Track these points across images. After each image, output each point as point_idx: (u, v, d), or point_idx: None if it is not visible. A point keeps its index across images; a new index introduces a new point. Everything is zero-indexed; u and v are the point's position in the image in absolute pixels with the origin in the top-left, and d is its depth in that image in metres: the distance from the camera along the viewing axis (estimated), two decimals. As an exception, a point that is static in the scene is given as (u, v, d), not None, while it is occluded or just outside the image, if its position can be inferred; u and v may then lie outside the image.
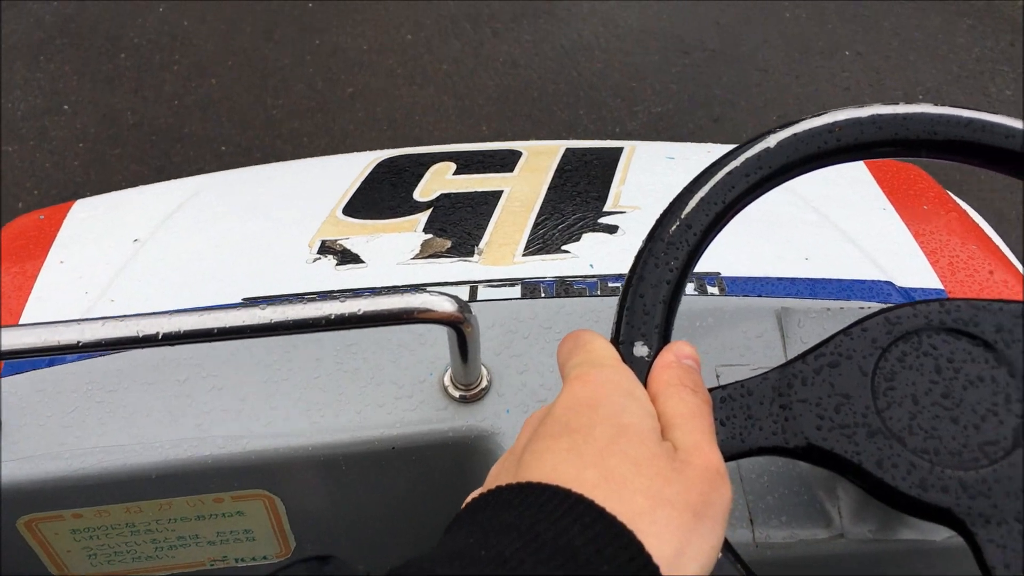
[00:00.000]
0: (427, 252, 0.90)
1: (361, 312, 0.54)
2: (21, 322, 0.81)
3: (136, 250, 0.92)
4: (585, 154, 1.08)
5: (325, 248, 0.91)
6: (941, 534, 0.63)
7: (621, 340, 0.51)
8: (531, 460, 0.41)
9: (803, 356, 0.52)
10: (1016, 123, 0.56)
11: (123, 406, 0.66)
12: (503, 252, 0.90)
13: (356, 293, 0.54)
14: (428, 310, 0.55)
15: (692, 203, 0.54)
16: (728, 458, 0.49)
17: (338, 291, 0.84)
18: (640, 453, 0.40)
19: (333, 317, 0.54)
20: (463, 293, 0.84)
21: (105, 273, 0.88)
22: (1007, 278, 0.91)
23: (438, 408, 0.65)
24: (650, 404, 0.45)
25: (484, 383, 0.67)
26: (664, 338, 0.52)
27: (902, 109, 0.56)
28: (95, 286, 0.86)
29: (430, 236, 0.92)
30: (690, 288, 0.82)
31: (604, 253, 0.90)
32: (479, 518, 0.38)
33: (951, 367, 0.51)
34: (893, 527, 0.63)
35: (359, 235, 0.93)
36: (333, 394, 0.66)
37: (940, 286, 0.89)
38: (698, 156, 1.08)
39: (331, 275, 0.87)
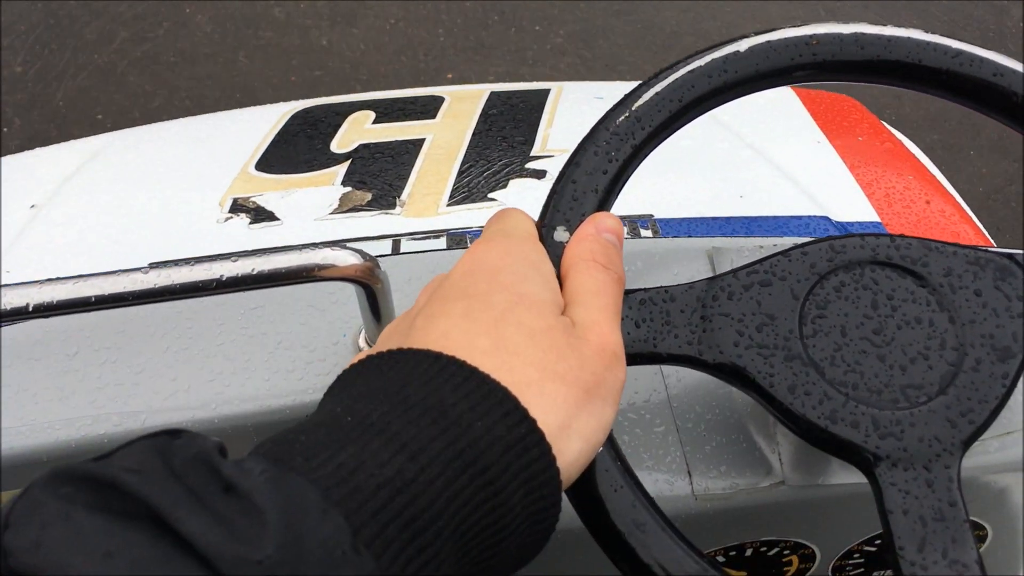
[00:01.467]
0: (346, 206, 0.86)
1: (256, 272, 0.49)
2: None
3: (33, 216, 0.86)
4: (511, 97, 1.03)
5: (237, 206, 0.85)
6: None
7: (544, 224, 0.48)
8: (423, 324, 0.39)
9: (735, 271, 0.50)
10: (1010, 63, 0.53)
11: (6, 386, 0.61)
12: (427, 203, 0.86)
13: (252, 252, 0.49)
14: (330, 266, 0.50)
15: (646, 96, 0.51)
16: (636, 360, 0.47)
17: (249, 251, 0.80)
18: (536, 324, 0.39)
19: (224, 279, 0.49)
20: (385, 247, 0.80)
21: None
22: (944, 207, 0.89)
23: None
24: (554, 279, 0.43)
25: None
26: None
27: (889, 31, 0.53)
28: (-13, 257, 0.80)
29: (349, 189, 0.87)
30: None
31: (532, 199, 0.86)
32: (349, 388, 0.37)
33: (889, 304, 0.49)
34: (832, 472, 0.61)
35: (273, 191, 0.88)
36: (239, 361, 0.61)
37: (877, 219, 0.87)
38: (628, 95, 1.05)
39: (245, 235, 0.82)
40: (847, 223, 0.85)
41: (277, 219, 0.84)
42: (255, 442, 0.61)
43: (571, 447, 0.37)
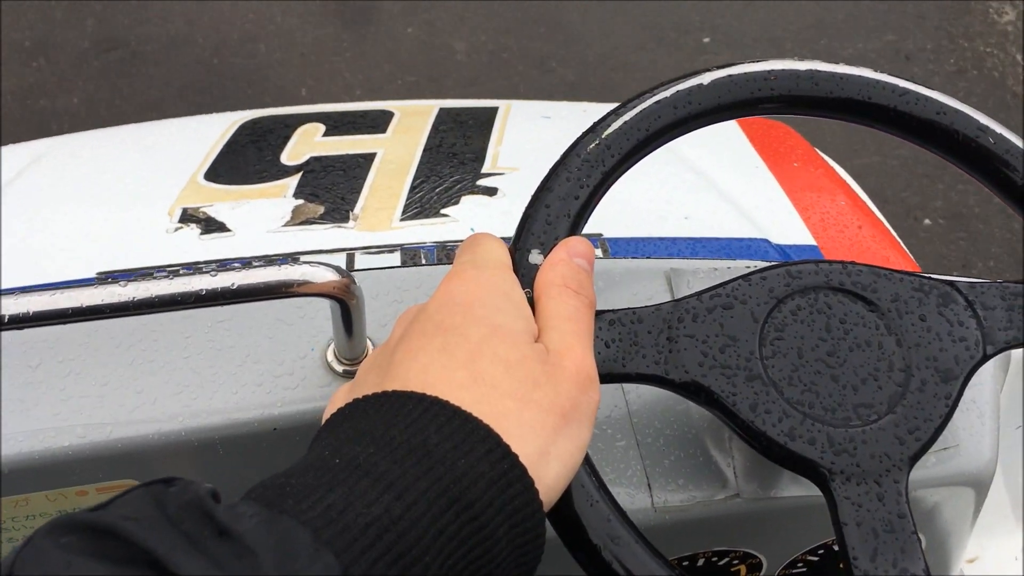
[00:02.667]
0: (299, 219, 0.86)
1: (236, 287, 0.49)
2: None
3: (-29, 222, 0.83)
4: (460, 114, 1.04)
5: (187, 216, 0.84)
6: None
7: (518, 247, 0.50)
8: (403, 359, 0.41)
9: (699, 294, 0.52)
10: (951, 101, 0.57)
11: None
12: (380, 217, 0.86)
13: (225, 265, 0.49)
14: (308, 282, 0.51)
15: (615, 125, 0.54)
16: (606, 380, 0.49)
17: (204, 262, 0.79)
18: (511, 355, 0.40)
19: (204, 293, 0.49)
20: (339, 261, 0.80)
21: (-65, 248, 0.79)
22: (874, 233, 0.94)
23: (322, 385, 0.61)
24: (526, 307, 0.45)
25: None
26: None
27: (841, 69, 0.56)
28: (-77, 264, 0.78)
29: (301, 201, 0.87)
30: None
31: (485, 216, 0.87)
32: (337, 431, 0.38)
33: (842, 328, 0.52)
34: (783, 485, 0.63)
35: (224, 201, 0.87)
36: (206, 375, 0.61)
37: (813, 242, 0.91)
38: (574, 115, 1.07)
39: (196, 245, 0.81)
40: (786, 246, 0.89)
41: (228, 230, 0.83)
42: (221, 454, 0.61)
43: (550, 472, 0.39)
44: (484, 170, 0.94)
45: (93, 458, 0.58)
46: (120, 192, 0.89)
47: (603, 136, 0.54)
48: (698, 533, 0.65)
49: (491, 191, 0.91)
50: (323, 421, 0.41)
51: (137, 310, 0.48)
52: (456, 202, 0.89)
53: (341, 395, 0.44)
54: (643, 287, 0.69)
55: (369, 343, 0.62)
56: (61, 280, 0.76)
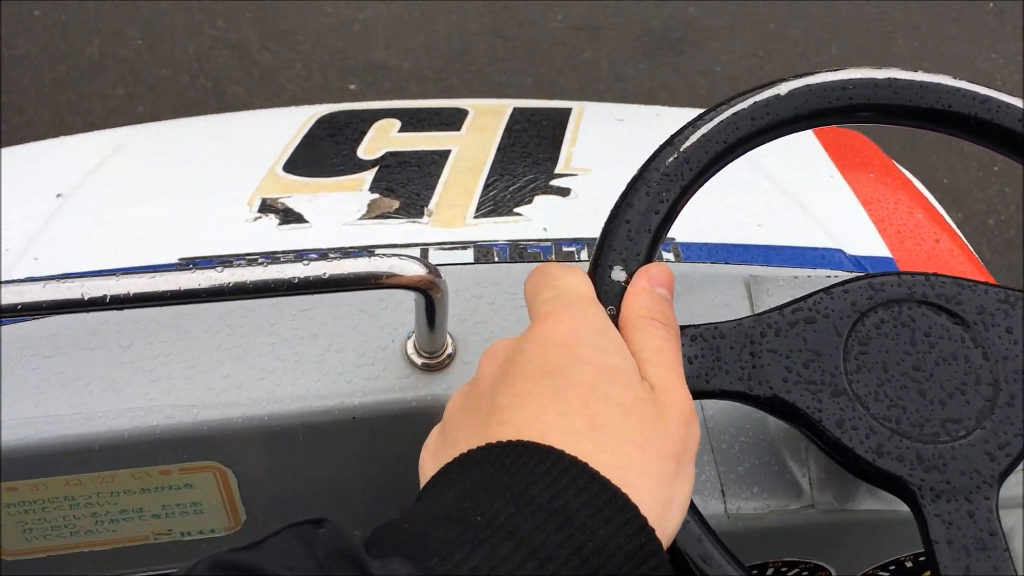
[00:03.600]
0: (374, 212, 0.87)
1: (327, 276, 0.50)
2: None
3: (59, 205, 0.85)
4: (533, 114, 1.05)
5: (266, 206, 0.86)
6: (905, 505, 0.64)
7: (599, 263, 0.50)
8: (510, 404, 0.40)
9: (780, 308, 0.52)
10: None
11: (61, 373, 0.61)
12: (454, 214, 0.87)
13: (315, 255, 0.50)
14: (396, 275, 0.52)
15: (694, 138, 0.53)
16: (692, 396, 0.49)
17: (282, 252, 0.80)
18: (625, 397, 0.40)
19: (296, 281, 0.50)
20: (413, 256, 0.81)
21: (26, 229, 0.82)
22: (952, 247, 0.92)
23: (401, 376, 0.62)
24: (623, 343, 0.44)
25: (449, 350, 0.64)
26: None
27: (920, 77, 0.55)
28: (15, 243, 0.80)
29: (377, 196, 0.88)
30: None
31: (557, 216, 0.87)
32: (469, 476, 0.37)
33: (927, 341, 0.51)
34: (859, 497, 0.63)
35: (301, 193, 0.88)
36: (290, 362, 0.62)
37: (889, 254, 0.89)
38: (647, 119, 1.07)
39: (274, 235, 0.82)
40: (861, 257, 0.88)
41: (306, 221, 0.84)
42: (300, 440, 0.62)
43: (671, 523, 0.39)
44: (557, 170, 0.94)
45: (179, 439, 0.59)
46: (201, 181, 0.91)
47: (681, 149, 0.53)
48: (770, 542, 0.64)
49: (564, 191, 0.91)
50: (421, 468, 0.41)
51: (232, 295, 0.49)
52: (529, 201, 0.89)
53: (435, 437, 0.44)
54: (720, 294, 0.69)
55: (449, 337, 0.63)
56: (144, 265, 0.78)
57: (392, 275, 0.52)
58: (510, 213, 0.88)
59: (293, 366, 0.61)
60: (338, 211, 0.86)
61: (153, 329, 0.62)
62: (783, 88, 0.55)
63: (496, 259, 0.80)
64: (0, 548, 0.65)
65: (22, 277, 0.55)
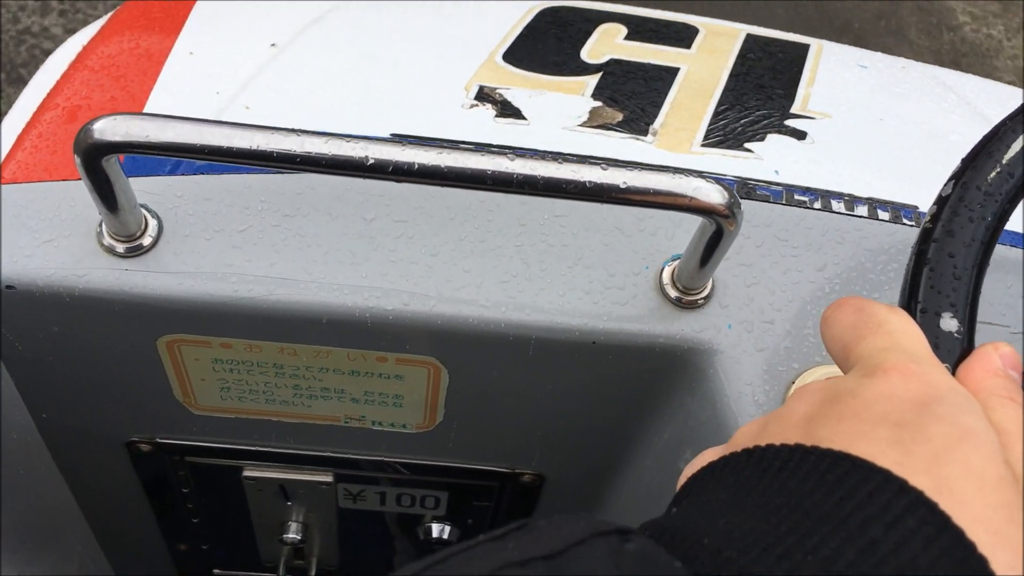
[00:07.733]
0: (596, 121, 0.80)
1: (625, 186, 0.44)
2: (146, 110, 0.72)
3: (273, 56, 0.81)
4: (769, 44, 0.96)
5: (483, 95, 0.80)
6: None
7: (923, 308, 0.41)
8: (832, 437, 0.33)
9: None
10: None
11: (301, 236, 0.57)
12: (679, 138, 0.80)
13: (622, 164, 0.44)
14: (697, 199, 0.45)
15: (1017, 146, 0.43)
16: None
17: (497, 147, 0.75)
18: (985, 469, 0.32)
19: (589, 185, 0.44)
20: None
21: (239, 75, 0.78)
22: None
23: (651, 307, 0.56)
24: (983, 414, 0.36)
25: (708, 289, 0.58)
26: (973, 313, 0.42)
27: None
28: (228, 87, 0.76)
29: (599, 104, 0.82)
30: None
31: (791, 160, 0.80)
32: (778, 486, 0.31)
33: None
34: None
35: (521, 87, 0.82)
36: (535, 269, 0.56)
37: None
38: (892, 71, 0.97)
39: (490, 126, 0.77)
40: None
41: (524, 118, 0.79)
42: (530, 354, 0.57)
43: None
44: (793, 110, 0.86)
45: (408, 328, 0.55)
46: (417, 57, 0.86)
47: (1003, 162, 0.43)
48: None
49: (800, 134, 0.83)
50: (682, 478, 0.36)
51: (519, 188, 0.44)
52: (762, 139, 0.82)
53: (708, 456, 0.37)
54: (1015, 280, 0.61)
55: (710, 282, 0.57)
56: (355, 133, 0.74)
57: (694, 198, 0.46)
58: (740, 148, 0.80)
59: (539, 273, 0.56)
60: (558, 113, 0.80)
61: (397, 206, 0.58)
62: None
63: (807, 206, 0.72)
64: (194, 402, 0.63)
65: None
